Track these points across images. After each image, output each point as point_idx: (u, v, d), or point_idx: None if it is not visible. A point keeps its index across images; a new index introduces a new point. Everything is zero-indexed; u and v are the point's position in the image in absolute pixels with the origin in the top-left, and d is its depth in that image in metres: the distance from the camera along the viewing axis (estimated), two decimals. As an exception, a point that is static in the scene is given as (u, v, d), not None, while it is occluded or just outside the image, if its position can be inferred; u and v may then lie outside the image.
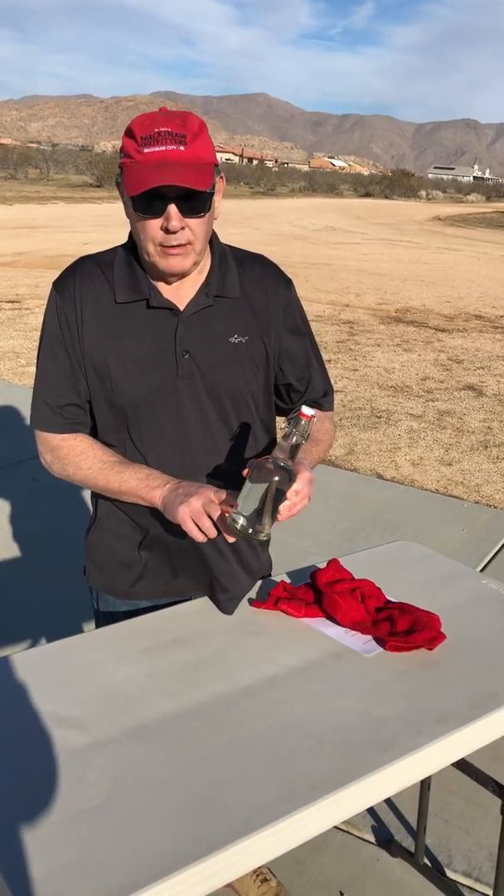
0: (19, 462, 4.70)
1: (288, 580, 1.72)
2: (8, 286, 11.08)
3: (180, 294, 1.52)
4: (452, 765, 1.44)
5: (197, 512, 1.39)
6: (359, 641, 1.51)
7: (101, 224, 20.72)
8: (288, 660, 1.44)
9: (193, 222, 1.41)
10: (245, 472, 1.36)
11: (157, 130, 1.36)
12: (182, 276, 1.49)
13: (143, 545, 1.62)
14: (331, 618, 1.57)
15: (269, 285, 1.60)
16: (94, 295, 1.51)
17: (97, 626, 1.73)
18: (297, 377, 1.66)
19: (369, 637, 1.52)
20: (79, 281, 1.52)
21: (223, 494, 1.40)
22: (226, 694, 1.34)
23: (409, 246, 21.64)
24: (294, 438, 1.33)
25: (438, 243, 23.40)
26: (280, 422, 1.72)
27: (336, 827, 2.10)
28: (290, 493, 1.35)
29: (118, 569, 1.66)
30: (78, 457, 1.54)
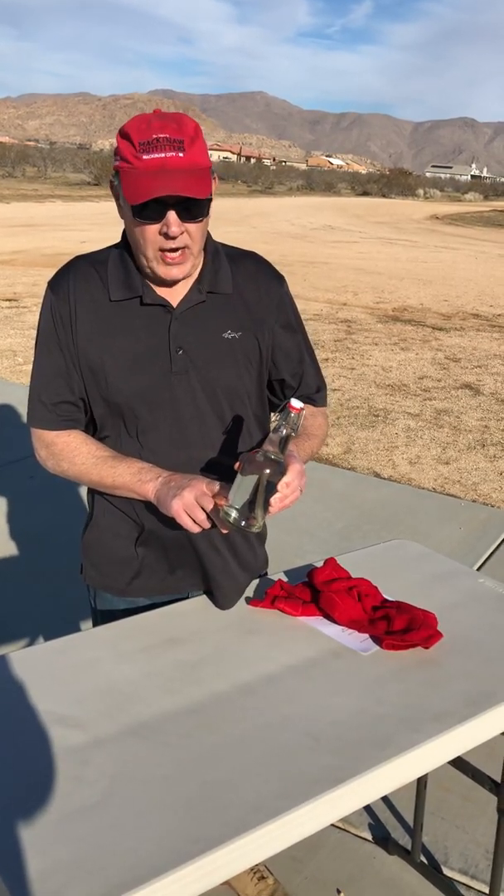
0: (17, 461, 4.70)
1: (285, 579, 1.72)
2: (5, 284, 11.07)
3: (173, 291, 1.53)
4: (449, 763, 1.44)
5: (190, 504, 1.40)
6: (356, 640, 1.52)
7: (99, 222, 20.71)
8: (285, 658, 1.45)
9: (192, 227, 1.43)
10: (236, 465, 1.38)
11: (154, 136, 1.36)
12: (180, 280, 1.51)
13: (138, 542, 1.63)
14: (328, 616, 1.57)
15: (262, 281, 1.62)
16: (89, 293, 1.52)
17: (95, 625, 1.73)
18: (290, 373, 1.67)
19: (366, 636, 1.53)
20: (73, 280, 1.53)
21: (215, 486, 1.41)
22: (223, 692, 1.34)
23: (406, 245, 21.65)
24: (284, 431, 1.35)
25: (436, 242, 23.40)
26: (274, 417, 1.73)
27: (333, 825, 2.11)
28: (280, 486, 1.37)
29: (115, 566, 1.66)
30: (72, 453, 1.56)
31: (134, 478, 1.50)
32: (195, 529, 1.42)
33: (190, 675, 1.39)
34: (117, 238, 1.58)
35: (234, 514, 1.35)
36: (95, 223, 20.72)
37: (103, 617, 1.71)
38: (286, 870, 2.01)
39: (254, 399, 1.63)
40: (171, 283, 1.51)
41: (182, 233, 1.41)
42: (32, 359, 1.60)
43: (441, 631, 1.52)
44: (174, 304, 1.52)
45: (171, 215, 1.39)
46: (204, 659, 1.44)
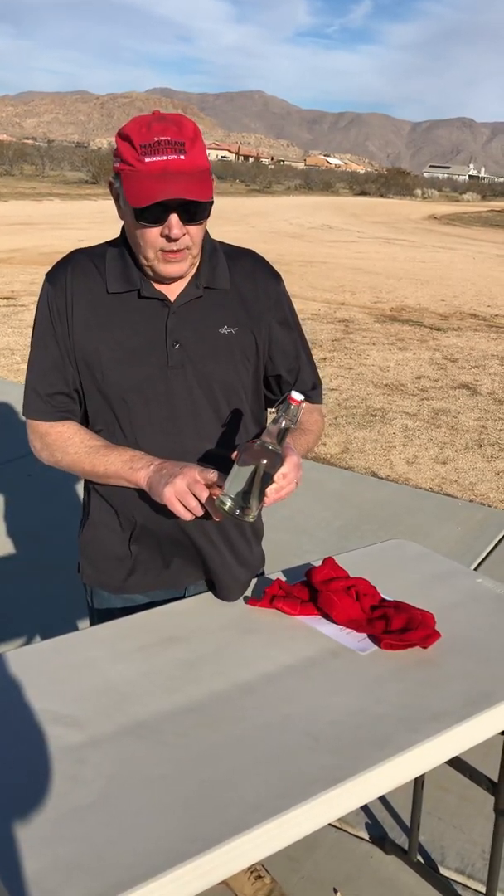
0: (14, 459, 4.69)
1: (283, 578, 1.72)
2: (3, 283, 11.05)
3: (171, 286, 1.54)
4: (446, 762, 1.44)
5: (182, 492, 1.41)
6: (354, 639, 1.51)
7: (97, 221, 20.69)
8: (283, 658, 1.45)
9: (193, 229, 1.44)
10: (233, 454, 1.39)
11: (156, 139, 1.37)
12: (178, 279, 1.51)
13: (133, 538, 1.63)
14: (326, 616, 1.57)
15: (259, 278, 1.63)
16: (86, 286, 1.53)
17: (91, 624, 1.73)
18: (286, 369, 1.68)
19: (364, 635, 1.53)
20: (70, 273, 1.54)
21: (209, 473, 1.42)
22: (222, 691, 1.34)
23: (404, 244, 21.66)
24: (283, 423, 1.36)
25: (434, 242, 23.41)
26: (270, 413, 1.73)
27: (330, 824, 2.11)
28: (277, 477, 1.38)
29: (110, 563, 1.66)
30: (65, 443, 1.57)
31: (126, 465, 1.50)
32: (187, 516, 1.43)
33: (188, 675, 1.38)
34: (115, 237, 1.58)
35: (229, 502, 1.37)
36: (93, 222, 20.70)
37: (100, 616, 1.71)
38: (283, 869, 2.01)
39: (250, 394, 1.64)
40: (169, 280, 1.52)
41: (184, 235, 1.42)
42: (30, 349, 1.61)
43: (439, 631, 1.52)
44: (171, 298, 1.53)
45: (174, 218, 1.40)
46: (202, 658, 1.44)
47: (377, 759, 1.19)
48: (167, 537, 1.60)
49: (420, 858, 2.09)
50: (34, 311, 1.60)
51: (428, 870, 2.06)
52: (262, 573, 1.78)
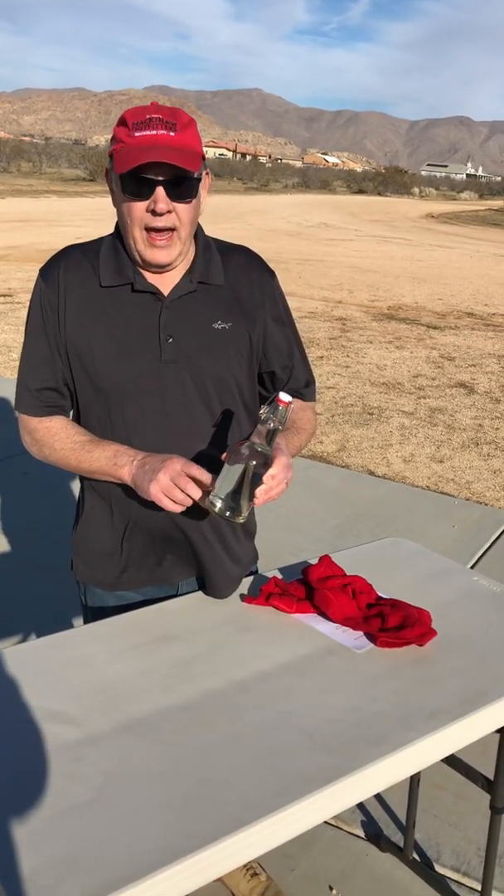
0: (10, 457, 4.68)
1: (280, 576, 1.72)
2: (0, 280, 11.03)
3: (165, 280, 1.54)
4: (442, 760, 1.45)
5: (167, 486, 1.40)
6: (350, 637, 1.52)
7: (94, 218, 20.65)
8: (279, 656, 1.45)
9: (180, 207, 1.44)
10: (223, 455, 1.39)
11: (148, 116, 1.40)
12: (166, 267, 1.51)
13: (126, 535, 1.62)
14: (322, 614, 1.57)
15: (254, 274, 1.63)
16: (79, 281, 1.53)
17: (85, 622, 1.73)
18: (280, 366, 1.68)
19: (360, 633, 1.53)
20: (63, 268, 1.54)
21: (192, 466, 1.41)
22: (217, 689, 1.34)
23: (401, 243, 21.66)
24: (271, 424, 1.36)
25: (431, 241, 23.42)
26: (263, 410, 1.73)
27: (326, 822, 2.11)
28: (266, 478, 1.38)
29: (103, 560, 1.66)
30: (52, 438, 1.57)
31: (110, 461, 1.50)
32: (176, 509, 1.43)
33: (185, 673, 1.38)
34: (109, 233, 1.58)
35: (219, 503, 1.37)
36: (90, 219, 20.66)
37: (93, 614, 1.71)
38: (279, 866, 2.01)
39: (244, 390, 1.63)
40: (158, 268, 1.51)
41: (170, 211, 1.42)
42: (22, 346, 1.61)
43: (435, 629, 1.52)
44: (165, 292, 1.53)
45: (160, 191, 1.41)
46: (198, 656, 1.44)
47: (373, 757, 1.20)
48: (160, 533, 1.60)
49: (416, 856, 2.10)
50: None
51: (423, 867, 2.06)
52: (256, 570, 1.78)
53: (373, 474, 5.02)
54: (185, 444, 1.55)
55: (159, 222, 1.43)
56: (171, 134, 1.40)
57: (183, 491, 1.40)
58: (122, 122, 1.43)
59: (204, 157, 1.49)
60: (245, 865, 1.90)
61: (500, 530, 4.18)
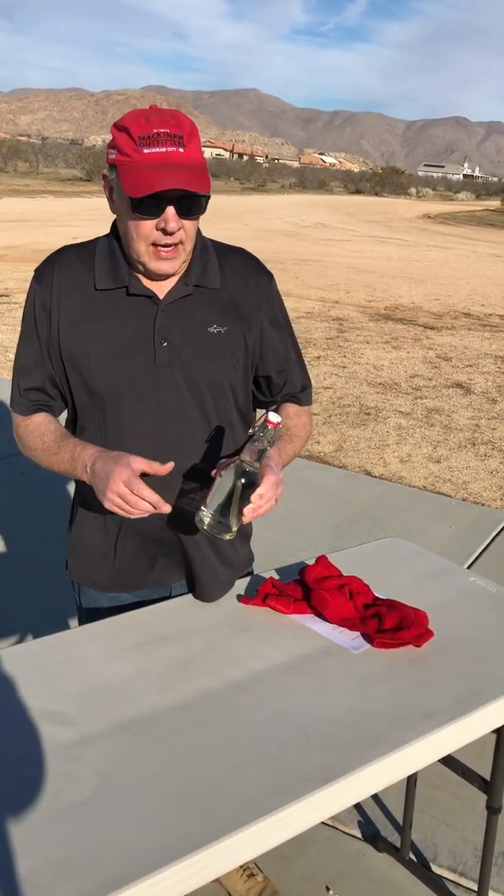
0: (6, 457, 4.68)
1: (276, 576, 1.72)
2: (-4, 280, 11.03)
3: (160, 283, 1.53)
4: (439, 760, 1.45)
5: (117, 500, 1.38)
6: (347, 638, 1.52)
7: (91, 218, 20.63)
8: (276, 656, 1.45)
9: (188, 223, 1.43)
10: (213, 472, 1.40)
11: (155, 131, 1.37)
12: (169, 276, 1.50)
13: (119, 536, 1.62)
14: (319, 614, 1.57)
15: (251, 277, 1.62)
16: (74, 283, 1.53)
17: (80, 623, 1.73)
18: (276, 369, 1.67)
19: (357, 634, 1.53)
20: (58, 269, 1.54)
21: (139, 463, 1.39)
22: (214, 690, 1.34)
23: (398, 243, 21.67)
24: (259, 444, 1.37)
25: (428, 241, 23.44)
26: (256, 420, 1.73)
27: (322, 822, 2.11)
28: (253, 497, 1.39)
29: (97, 561, 1.66)
30: (28, 437, 1.59)
31: (70, 466, 1.50)
32: (136, 515, 1.40)
33: (181, 673, 1.38)
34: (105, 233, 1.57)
35: (207, 520, 1.40)
36: (87, 219, 20.65)
37: (88, 615, 1.71)
38: (275, 867, 2.01)
39: (238, 394, 1.63)
40: (160, 277, 1.50)
41: (179, 229, 1.41)
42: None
43: (432, 629, 1.52)
44: (161, 295, 1.52)
45: (170, 211, 1.39)
46: (195, 656, 1.43)
47: (370, 758, 1.20)
48: (151, 535, 1.60)
49: (412, 856, 2.10)
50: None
51: (420, 868, 2.06)
52: (252, 571, 1.78)
53: (370, 475, 5.02)
54: (178, 447, 1.54)
55: (168, 240, 1.42)
56: (181, 150, 1.37)
57: (135, 506, 1.38)
58: (123, 129, 1.39)
59: (205, 162, 1.47)
60: (242, 866, 1.89)
61: (497, 530, 4.18)
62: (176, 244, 1.44)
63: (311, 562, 1.71)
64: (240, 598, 1.63)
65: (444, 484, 4.94)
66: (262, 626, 1.55)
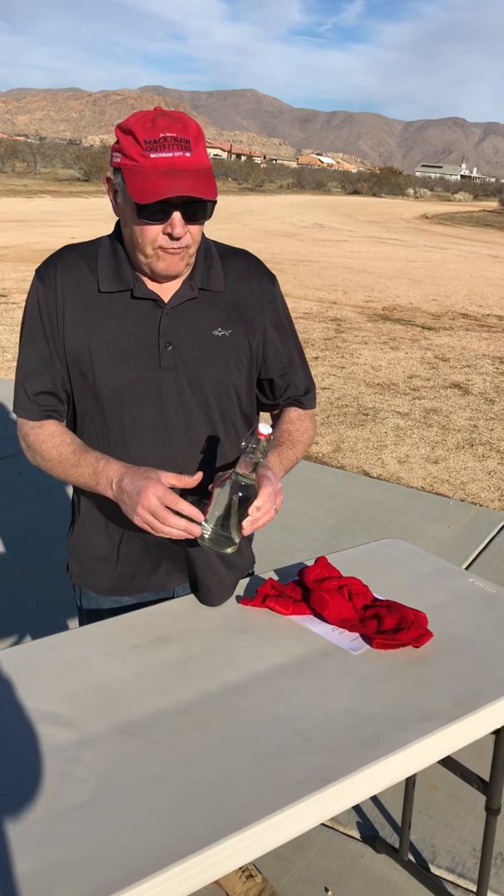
0: (5, 458, 4.67)
1: (276, 577, 1.72)
2: (-6, 280, 11.02)
3: (164, 286, 1.52)
4: (438, 761, 1.45)
5: (149, 519, 1.38)
6: (346, 639, 1.51)
7: (89, 218, 20.62)
8: (275, 657, 1.44)
9: (194, 228, 1.43)
10: (210, 487, 1.40)
11: (161, 135, 1.35)
12: (173, 277, 1.50)
13: (122, 541, 1.62)
14: (318, 615, 1.57)
15: (254, 280, 1.61)
16: (77, 283, 1.51)
17: (80, 624, 1.72)
18: (279, 373, 1.67)
19: (356, 634, 1.53)
20: (61, 269, 1.52)
21: (168, 497, 1.37)
22: (213, 691, 1.34)
23: (396, 244, 21.68)
24: (252, 456, 1.36)
25: (426, 241, 23.45)
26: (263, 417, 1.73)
27: (321, 823, 2.11)
28: (251, 510, 1.39)
29: (99, 565, 1.66)
30: (42, 446, 1.54)
31: (91, 481, 1.48)
32: (177, 536, 1.39)
33: (180, 674, 1.38)
34: (107, 234, 1.57)
35: (208, 535, 1.40)
36: (85, 219, 20.64)
37: (88, 616, 1.70)
38: (274, 868, 2.01)
39: (243, 397, 1.62)
40: (165, 279, 1.50)
41: (185, 234, 1.41)
42: (18, 347, 1.60)
43: (431, 630, 1.52)
44: (165, 299, 1.51)
45: (177, 216, 1.38)
46: (194, 658, 1.43)
47: (369, 759, 1.19)
48: (154, 541, 1.59)
49: (411, 857, 2.10)
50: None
51: (419, 869, 2.06)
52: (252, 572, 1.78)
53: (368, 475, 5.02)
54: (181, 451, 1.54)
55: (174, 244, 1.42)
56: (187, 155, 1.36)
57: (165, 522, 1.37)
58: (128, 132, 1.38)
59: (211, 165, 1.45)
60: (240, 867, 1.89)
61: (495, 531, 4.19)
62: (181, 248, 1.43)
63: (309, 562, 1.71)
64: (239, 599, 1.63)
65: (442, 484, 4.94)
66: (261, 627, 1.55)
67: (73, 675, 1.37)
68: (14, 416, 1.63)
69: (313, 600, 1.58)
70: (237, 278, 1.59)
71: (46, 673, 1.37)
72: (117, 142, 1.41)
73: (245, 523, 1.39)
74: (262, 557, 1.81)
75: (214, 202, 1.42)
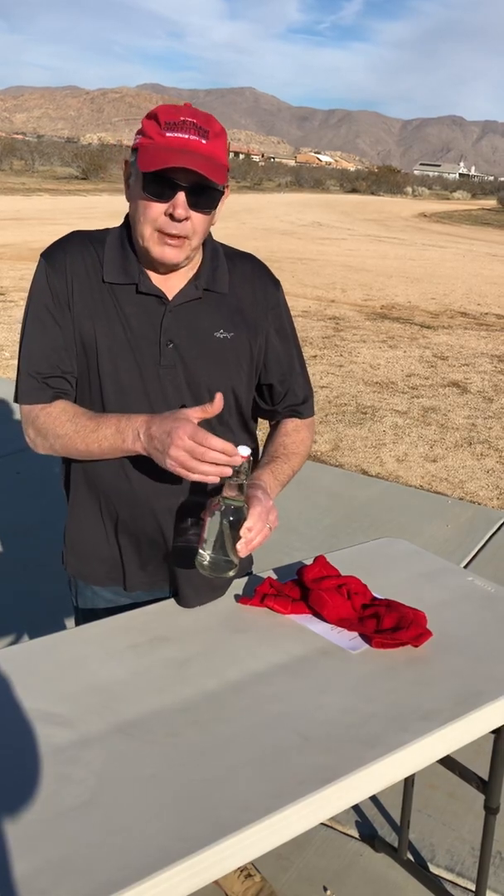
0: (3, 456, 4.67)
1: (274, 577, 1.72)
2: (-8, 278, 11.00)
3: (170, 284, 1.51)
4: (436, 761, 1.44)
5: (182, 458, 1.32)
6: (345, 638, 1.51)
7: (87, 217, 20.59)
8: (274, 656, 1.44)
9: (197, 217, 1.41)
10: (201, 515, 1.40)
11: (182, 119, 1.38)
12: (172, 268, 1.49)
13: (116, 534, 1.61)
14: (317, 614, 1.57)
15: (259, 284, 1.61)
16: (83, 269, 1.49)
17: (77, 624, 1.72)
18: (279, 379, 1.67)
19: (355, 634, 1.52)
20: (69, 253, 1.50)
21: (199, 434, 1.32)
22: (212, 691, 1.33)
23: (394, 242, 21.68)
24: (236, 479, 1.36)
25: (424, 240, 23.45)
26: (261, 423, 1.73)
27: (320, 822, 2.11)
28: (243, 531, 1.39)
29: (93, 554, 1.66)
30: (54, 423, 1.49)
31: (117, 439, 1.42)
32: (207, 470, 1.32)
33: (178, 674, 1.38)
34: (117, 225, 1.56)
35: (206, 561, 1.41)
36: (83, 217, 20.60)
37: (85, 616, 1.70)
38: (273, 867, 2.01)
39: (241, 400, 1.62)
40: (165, 269, 1.49)
41: (187, 218, 1.40)
42: (21, 334, 1.54)
43: (430, 629, 1.52)
44: (170, 296, 1.51)
45: (181, 197, 1.38)
46: (192, 657, 1.43)
47: (368, 759, 1.19)
48: (146, 538, 1.59)
49: (410, 856, 2.10)
50: (27, 295, 1.56)
51: (418, 868, 2.06)
52: (251, 573, 1.77)
53: (366, 474, 5.02)
54: None
55: (174, 229, 1.40)
56: (203, 141, 1.37)
57: (202, 459, 1.32)
58: (152, 116, 1.40)
59: (228, 170, 1.46)
60: (239, 867, 1.89)
61: (494, 530, 4.19)
62: (182, 237, 1.42)
63: (308, 562, 1.70)
64: (238, 598, 1.63)
65: (441, 483, 4.94)
66: (259, 626, 1.54)
67: (71, 675, 1.36)
68: (13, 415, 1.62)
69: (312, 599, 1.58)
70: (242, 282, 1.58)
71: (44, 673, 1.37)
72: (141, 127, 1.43)
73: (239, 546, 1.39)
74: (259, 556, 1.80)
75: (222, 192, 1.42)
